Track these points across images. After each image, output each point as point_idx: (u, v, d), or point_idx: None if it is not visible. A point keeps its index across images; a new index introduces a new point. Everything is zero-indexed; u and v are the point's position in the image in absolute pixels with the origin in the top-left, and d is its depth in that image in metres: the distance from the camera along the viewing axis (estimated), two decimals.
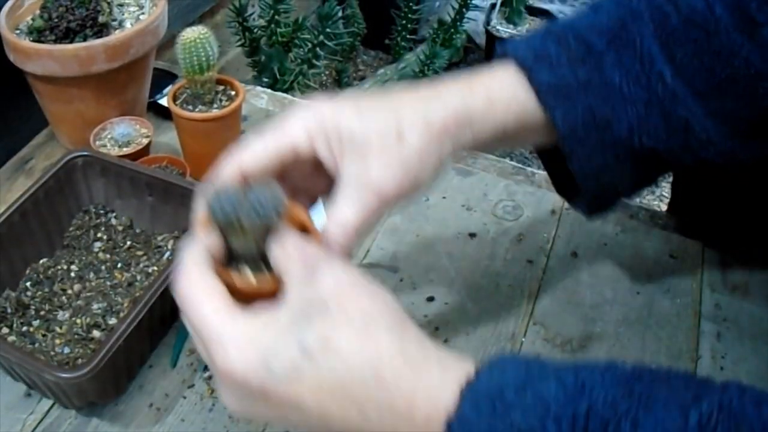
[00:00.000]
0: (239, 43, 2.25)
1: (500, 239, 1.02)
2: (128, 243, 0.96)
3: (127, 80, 1.09)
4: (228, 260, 0.58)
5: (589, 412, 0.49)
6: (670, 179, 1.26)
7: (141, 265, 0.93)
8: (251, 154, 0.63)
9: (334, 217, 0.63)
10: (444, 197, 1.08)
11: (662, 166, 0.76)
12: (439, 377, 0.53)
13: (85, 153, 0.97)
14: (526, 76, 0.70)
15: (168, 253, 0.94)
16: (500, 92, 0.70)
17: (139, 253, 0.95)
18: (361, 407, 0.52)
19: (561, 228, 1.03)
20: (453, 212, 1.06)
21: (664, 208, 1.23)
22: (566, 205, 1.06)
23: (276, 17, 2.24)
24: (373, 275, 0.94)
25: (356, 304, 0.55)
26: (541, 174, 1.12)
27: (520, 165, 1.15)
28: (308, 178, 0.68)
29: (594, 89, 0.70)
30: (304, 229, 0.61)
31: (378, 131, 0.63)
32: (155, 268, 0.93)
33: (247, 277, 0.58)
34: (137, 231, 0.98)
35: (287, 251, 0.56)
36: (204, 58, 1.01)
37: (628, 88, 0.70)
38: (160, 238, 0.96)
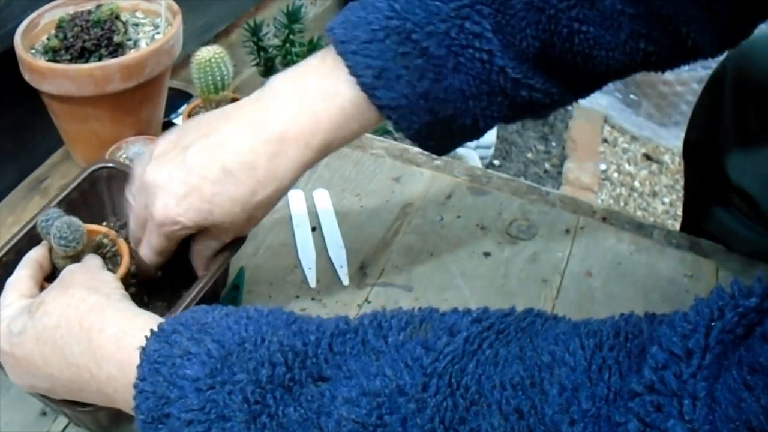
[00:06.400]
0: (254, 62, 2.26)
1: (514, 259, 1.02)
2: None
3: (143, 100, 1.09)
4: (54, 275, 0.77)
5: None
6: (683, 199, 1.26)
7: None
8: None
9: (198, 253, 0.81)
10: (458, 217, 1.08)
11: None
12: (122, 316, 0.65)
13: (110, 165, 0.94)
14: (366, 95, 0.74)
15: None
16: (341, 117, 0.76)
17: None
18: (63, 350, 0.64)
19: (575, 247, 1.03)
20: (467, 232, 1.06)
21: (677, 227, 1.23)
22: (581, 224, 1.06)
23: (291, 37, 2.25)
24: (388, 294, 0.95)
25: (70, 278, 0.71)
26: (556, 193, 1.12)
27: (534, 184, 1.15)
28: None
29: (435, 96, 0.75)
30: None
31: (233, 220, 0.76)
32: None
33: None
34: None
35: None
36: (219, 78, 1.02)
37: (469, 87, 0.74)
38: None
